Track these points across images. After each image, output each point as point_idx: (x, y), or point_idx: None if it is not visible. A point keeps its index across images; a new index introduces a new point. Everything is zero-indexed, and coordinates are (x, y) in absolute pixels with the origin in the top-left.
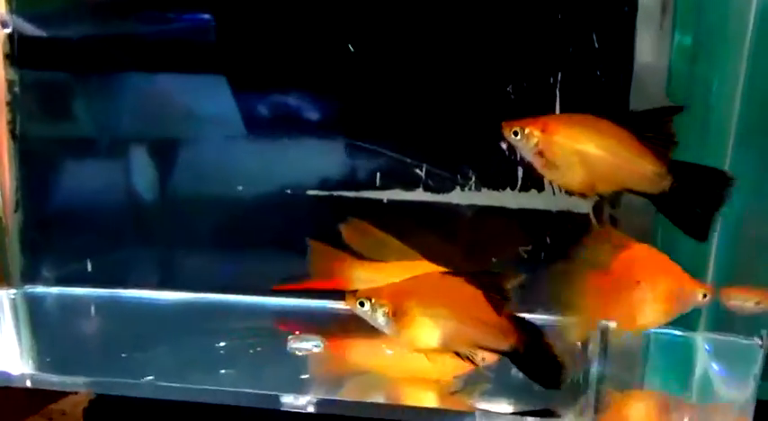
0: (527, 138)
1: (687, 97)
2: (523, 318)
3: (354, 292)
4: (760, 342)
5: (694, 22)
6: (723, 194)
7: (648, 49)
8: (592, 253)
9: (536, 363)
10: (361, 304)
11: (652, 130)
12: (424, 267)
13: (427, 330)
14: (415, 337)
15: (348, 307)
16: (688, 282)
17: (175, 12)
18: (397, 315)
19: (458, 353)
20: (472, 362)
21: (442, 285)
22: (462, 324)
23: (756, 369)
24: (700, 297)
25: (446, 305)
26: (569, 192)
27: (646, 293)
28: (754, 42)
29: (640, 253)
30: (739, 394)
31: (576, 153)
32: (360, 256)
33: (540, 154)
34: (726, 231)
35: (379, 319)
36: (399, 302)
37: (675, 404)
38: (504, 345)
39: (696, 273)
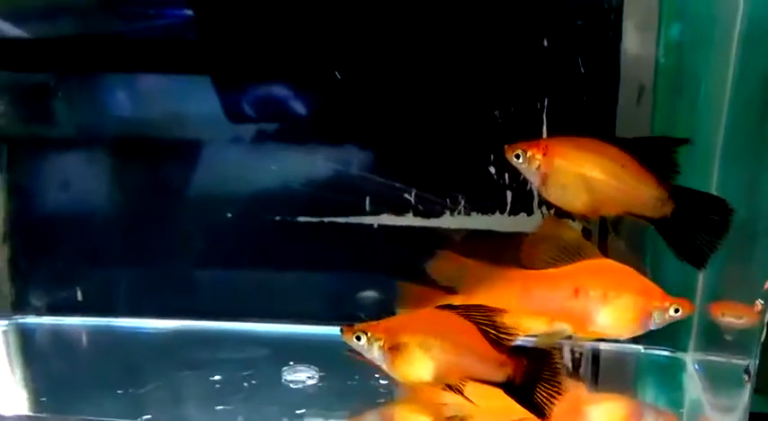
0: (529, 161)
1: (674, 110)
2: (519, 348)
3: (351, 326)
4: (747, 377)
5: (680, 26)
6: (725, 223)
7: (633, 71)
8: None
9: (530, 393)
10: (358, 338)
11: (655, 157)
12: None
13: (421, 363)
14: (410, 370)
15: (345, 339)
16: (654, 295)
17: (156, 9)
18: (391, 349)
19: (449, 386)
20: (462, 395)
21: (438, 319)
22: (456, 357)
23: (745, 401)
24: (671, 311)
25: (440, 338)
26: (572, 216)
27: (596, 302)
28: (742, 40)
29: (604, 265)
30: (729, 417)
31: (578, 176)
32: (450, 290)
33: (543, 176)
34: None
35: (375, 353)
36: (394, 336)
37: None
38: (500, 377)
39: (685, 286)
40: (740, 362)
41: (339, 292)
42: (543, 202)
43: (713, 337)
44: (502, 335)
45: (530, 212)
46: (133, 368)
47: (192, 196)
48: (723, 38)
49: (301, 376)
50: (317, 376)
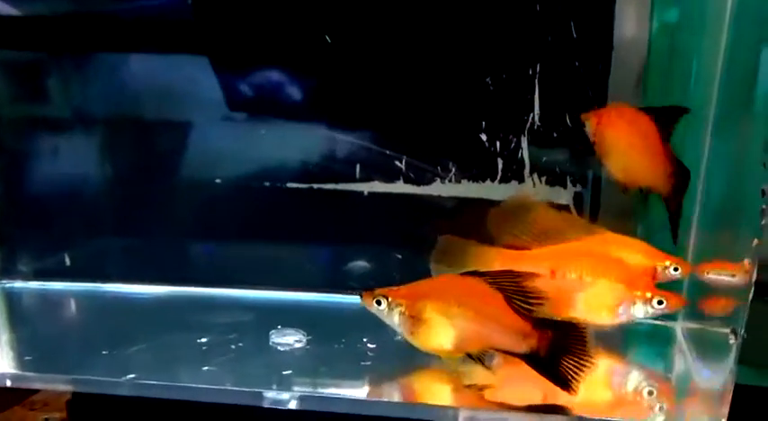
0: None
1: (666, 83)
2: (545, 320)
3: (371, 290)
4: (733, 337)
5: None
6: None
7: (627, 37)
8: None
9: (555, 366)
10: (378, 303)
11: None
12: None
13: (442, 331)
14: (430, 339)
15: (364, 305)
16: (637, 284)
17: None
18: (412, 315)
19: (469, 355)
20: (483, 365)
21: (461, 286)
22: (478, 326)
23: (731, 362)
24: (654, 303)
25: (463, 306)
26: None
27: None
28: (733, 20)
29: (589, 248)
30: (717, 383)
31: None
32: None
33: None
34: (705, 218)
35: (395, 319)
36: (415, 302)
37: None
38: (523, 348)
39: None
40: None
41: (328, 260)
42: (534, 170)
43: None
44: (531, 301)
45: (521, 180)
46: (119, 331)
47: (182, 163)
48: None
49: (289, 339)
50: (304, 339)
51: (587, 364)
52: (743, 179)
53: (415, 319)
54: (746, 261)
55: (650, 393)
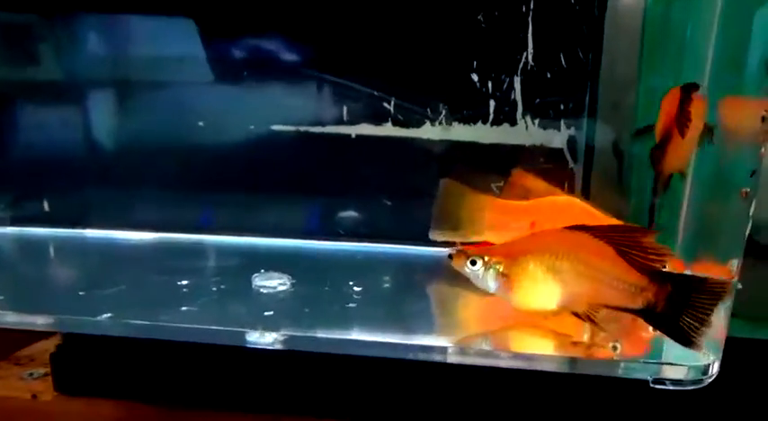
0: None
1: (664, 28)
2: (663, 273)
3: (463, 252)
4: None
5: None
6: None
7: None
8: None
9: (674, 321)
10: (473, 263)
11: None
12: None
13: (546, 288)
14: (534, 297)
15: (456, 266)
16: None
17: None
18: (512, 274)
19: (576, 314)
20: (594, 323)
21: (565, 240)
22: (587, 281)
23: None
24: None
25: (569, 260)
26: None
27: None
28: None
29: (569, 205)
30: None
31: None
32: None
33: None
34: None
35: (490, 280)
36: (515, 259)
37: None
38: (639, 303)
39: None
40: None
41: (316, 205)
42: (527, 112)
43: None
44: (651, 256)
45: (513, 123)
46: (99, 274)
47: (165, 109)
48: None
49: (273, 282)
50: (288, 283)
51: (709, 318)
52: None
53: (515, 278)
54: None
55: None
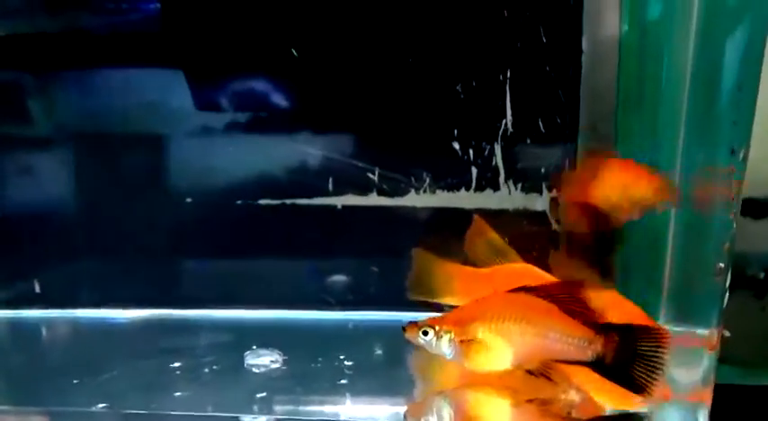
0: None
1: (638, 89)
2: (608, 324)
3: (415, 323)
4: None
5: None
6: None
7: (597, 39)
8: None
9: (625, 370)
10: (424, 333)
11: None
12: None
13: (498, 351)
14: (487, 360)
15: (409, 338)
16: None
17: (125, 3)
18: (464, 339)
19: (530, 372)
20: (549, 380)
21: (512, 302)
22: (537, 339)
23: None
24: None
25: (517, 322)
26: None
27: None
28: (701, 22)
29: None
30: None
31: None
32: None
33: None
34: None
35: (443, 347)
36: (465, 326)
37: None
38: (588, 355)
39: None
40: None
41: (305, 276)
42: (509, 177)
43: (681, 309)
44: (591, 309)
45: (496, 188)
46: (92, 358)
47: (152, 184)
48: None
49: (264, 360)
50: (280, 359)
51: (660, 365)
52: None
53: (467, 344)
54: (720, 265)
55: None
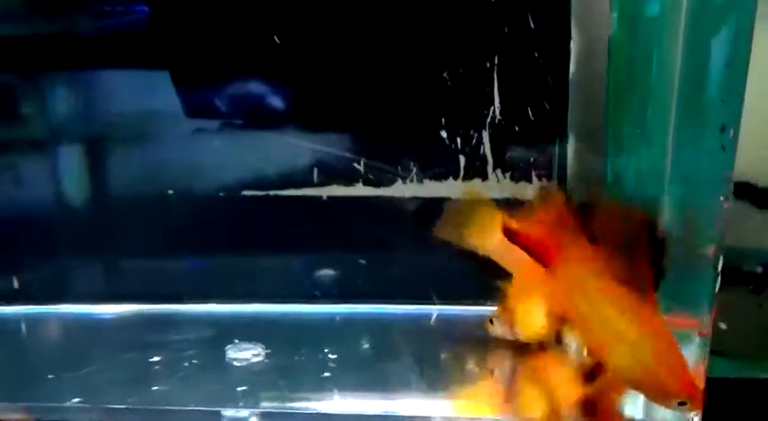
0: None
1: (628, 71)
2: None
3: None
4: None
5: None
6: None
7: (586, 25)
8: None
9: None
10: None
11: None
12: None
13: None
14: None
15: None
16: None
17: (113, 5)
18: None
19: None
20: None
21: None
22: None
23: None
24: None
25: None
26: None
27: None
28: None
29: None
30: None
31: None
32: None
33: None
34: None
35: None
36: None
37: None
38: None
39: None
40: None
41: (290, 269)
42: (498, 166)
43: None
44: None
45: (484, 177)
46: (70, 353)
47: (134, 177)
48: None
49: (246, 354)
50: (262, 353)
51: None
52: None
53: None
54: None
55: None
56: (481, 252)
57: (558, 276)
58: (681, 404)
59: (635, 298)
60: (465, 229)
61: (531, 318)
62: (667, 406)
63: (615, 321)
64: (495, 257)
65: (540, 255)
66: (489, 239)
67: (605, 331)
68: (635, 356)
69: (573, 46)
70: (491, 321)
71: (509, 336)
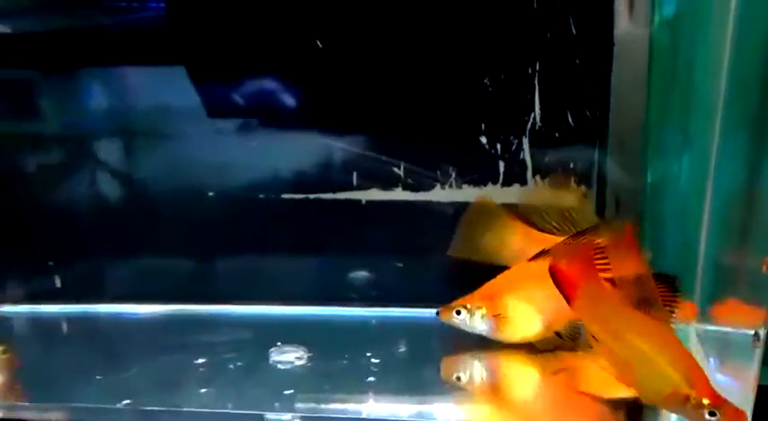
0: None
1: (669, 77)
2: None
3: (447, 306)
4: (757, 342)
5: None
6: None
7: (627, 30)
8: None
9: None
10: (458, 313)
11: None
12: None
13: (528, 318)
14: (518, 329)
15: (444, 320)
16: None
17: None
18: (495, 313)
19: (558, 334)
20: (574, 341)
21: (534, 271)
22: (561, 301)
23: (755, 370)
24: None
25: (542, 289)
26: None
27: None
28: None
29: None
30: (736, 387)
31: None
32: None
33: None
34: (716, 211)
35: (477, 323)
36: (495, 300)
37: None
38: None
39: (686, 257)
40: (745, 331)
41: (328, 271)
42: (537, 172)
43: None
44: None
45: (523, 183)
46: (114, 353)
47: (173, 178)
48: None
49: (289, 357)
50: (305, 356)
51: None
52: (756, 174)
53: (498, 316)
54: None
55: None
56: (497, 260)
57: (578, 309)
58: (711, 415)
59: (650, 320)
60: (481, 241)
61: (528, 323)
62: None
63: (636, 345)
64: (507, 261)
65: (567, 291)
66: (507, 247)
67: (629, 356)
68: (660, 374)
69: (615, 52)
70: (457, 312)
71: (484, 332)
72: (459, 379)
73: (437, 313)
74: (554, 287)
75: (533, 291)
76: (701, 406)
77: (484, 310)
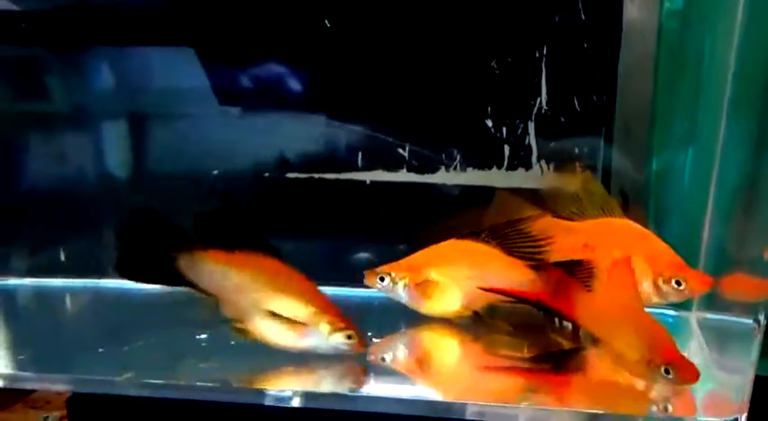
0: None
1: (678, 63)
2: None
3: (373, 269)
4: (756, 326)
5: None
6: None
7: (637, 16)
8: None
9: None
10: (381, 279)
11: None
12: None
13: (448, 293)
14: (438, 302)
15: (368, 283)
16: (661, 264)
17: None
18: (417, 283)
19: (476, 313)
20: (491, 322)
21: (461, 249)
22: (482, 282)
23: (753, 356)
24: (673, 283)
25: (465, 266)
26: None
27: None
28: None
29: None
30: (735, 377)
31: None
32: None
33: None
34: (721, 201)
35: (399, 291)
36: (418, 272)
37: None
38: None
39: (689, 246)
40: (745, 320)
41: (331, 251)
42: (542, 156)
43: (717, 296)
44: (535, 246)
45: (528, 167)
46: (117, 327)
47: (179, 156)
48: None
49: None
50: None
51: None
52: (761, 162)
53: (420, 288)
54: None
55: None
56: None
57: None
58: (666, 372)
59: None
60: None
61: (448, 299)
62: (656, 377)
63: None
64: None
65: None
66: None
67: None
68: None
69: (623, 37)
70: (381, 278)
71: (404, 301)
72: (383, 359)
73: (364, 274)
74: (477, 267)
75: (458, 269)
76: (658, 365)
77: (407, 280)
